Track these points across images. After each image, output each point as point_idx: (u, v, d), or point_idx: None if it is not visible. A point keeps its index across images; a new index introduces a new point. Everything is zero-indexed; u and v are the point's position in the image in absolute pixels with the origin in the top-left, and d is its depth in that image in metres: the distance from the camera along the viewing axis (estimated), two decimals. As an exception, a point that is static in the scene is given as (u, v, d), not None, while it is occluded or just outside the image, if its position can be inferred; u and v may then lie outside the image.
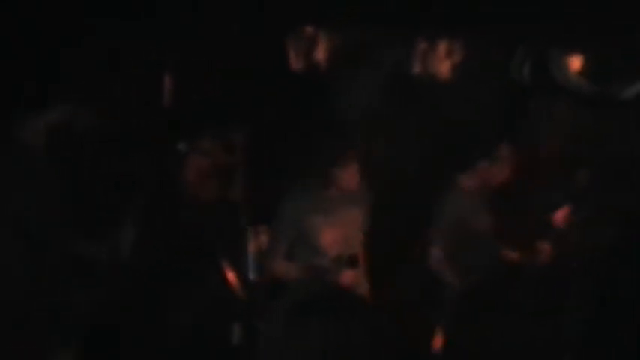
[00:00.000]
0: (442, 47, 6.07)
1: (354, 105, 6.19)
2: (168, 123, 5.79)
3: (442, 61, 6.07)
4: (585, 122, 5.50)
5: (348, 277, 4.38)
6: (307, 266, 4.63)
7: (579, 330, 4.96)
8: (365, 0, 5.94)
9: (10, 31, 5.35)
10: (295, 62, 6.36)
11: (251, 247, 5.30)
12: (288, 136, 6.10)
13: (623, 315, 4.77)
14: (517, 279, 4.91)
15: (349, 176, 4.85)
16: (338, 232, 4.80)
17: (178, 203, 5.38)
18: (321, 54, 6.36)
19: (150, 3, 5.84)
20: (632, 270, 4.88)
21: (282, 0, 6.09)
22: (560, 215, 4.97)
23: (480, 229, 5.16)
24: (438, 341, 4.75)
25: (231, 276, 4.80)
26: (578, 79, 5.53)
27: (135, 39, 5.83)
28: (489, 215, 5.20)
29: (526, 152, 5.33)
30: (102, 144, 4.90)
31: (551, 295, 5.01)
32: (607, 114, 5.50)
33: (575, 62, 5.61)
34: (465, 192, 5.25)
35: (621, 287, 4.84)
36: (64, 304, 4.45)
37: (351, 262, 4.47)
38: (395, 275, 4.93)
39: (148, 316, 4.62)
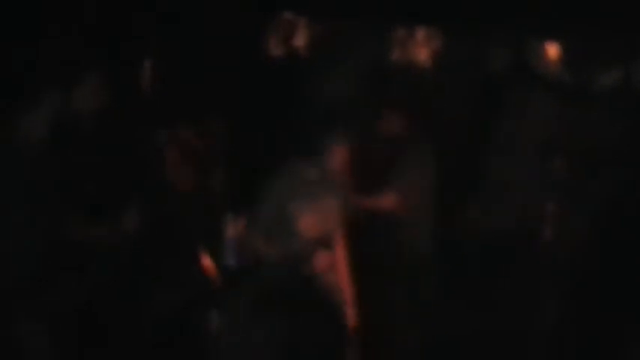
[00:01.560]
0: (420, 34, 6.09)
1: (333, 91, 6.20)
2: (147, 110, 5.79)
3: (420, 49, 6.09)
4: (562, 111, 5.53)
5: (323, 260, 4.41)
6: (283, 250, 4.65)
7: (555, 320, 5.00)
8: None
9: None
10: (274, 48, 6.37)
11: (229, 234, 5.32)
12: (267, 122, 6.10)
13: (599, 304, 4.82)
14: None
15: (332, 160, 4.83)
16: (316, 217, 4.82)
17: (158, 191, 5.39)
18: (300, 40, 6.36)
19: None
20: (609, 259, 4.92)
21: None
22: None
23: None
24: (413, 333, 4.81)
25: (208, 263, 4.81)
26: (554, 68, 5.56)
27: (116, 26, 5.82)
28: None
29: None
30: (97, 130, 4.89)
31: (528, 284, 5.05)
32: (584, 103, 5.53)
33: (552, 51, 5.64)
34: None
35: (597, 276, 4.89)
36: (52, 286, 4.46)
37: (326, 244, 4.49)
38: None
39: (127, 302, 4.64)
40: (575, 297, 4.97)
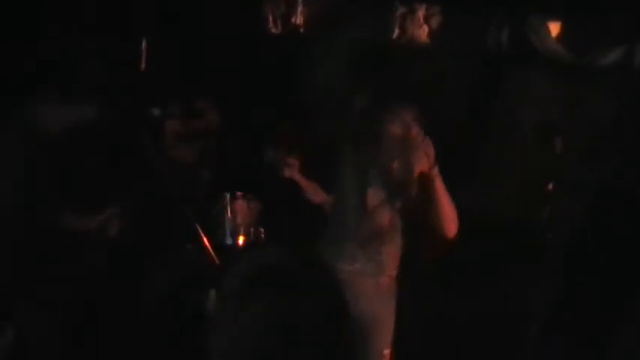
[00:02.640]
0: (420, 12, 6.04)
1: (331, 69, 6.16)
2: (144, 87, 5.75)
3: (420, 26, 6.05)
4: (562, 91, 5.49)
5: None
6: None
7: (547, 302, 4.99)
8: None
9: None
10: (273, 26, 6.33)
11: (227, 213, 5.30)
12: (264, 100, 6.07)
13: (593, 287, 4.80)
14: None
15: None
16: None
17: (154, 169, 5.36)
18: (299, 18, 6.32)
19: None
20: (604, 241, 4.90)
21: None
22: None
23: None
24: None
25: (206, 242, 4.79)
26: (556, 47, 5.51)
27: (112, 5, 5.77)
28: None
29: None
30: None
31: (525, 267, 5.03)
32: (585, 82, 5.49)
33: (554, 29, 5.59)
34: None
35: (592, 258, 4.87)
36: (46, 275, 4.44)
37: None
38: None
39: (124, 284, 4.62)
40: (572, 279, 4.95)
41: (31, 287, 4.30)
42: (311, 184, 4.68)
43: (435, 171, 3.85)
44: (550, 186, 5.08)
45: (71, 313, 4.39)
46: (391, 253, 4.01)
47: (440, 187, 3.86)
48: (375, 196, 3.92)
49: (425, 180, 3.83)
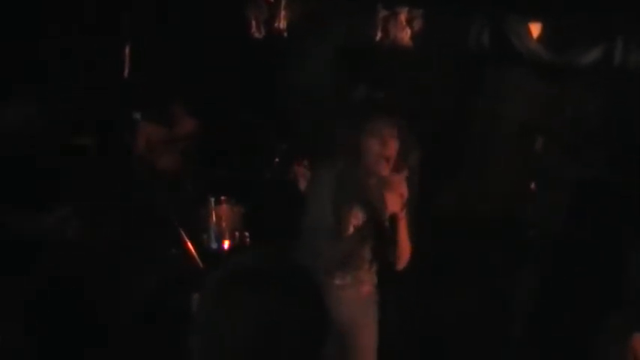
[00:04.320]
0: (403, 15, 6.07)
1: (314, 72, 6.18)
2: (126, 93, 5.76)
3: (403, 29, 6.07)
4: (542, 90, 5.51)
5: None
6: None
7: (530, 299, 5.00)
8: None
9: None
10: (256, 30, 6.34)
11: (212, 217, 5.31)
12: (247, 104, 6.08)
13: (575, 282, 4.82)
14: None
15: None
16: None
17: (134, 173, 5.37)
18: (281, 22, 6.33)
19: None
20: (585, 237, 4.92)
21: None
22: None
23: None
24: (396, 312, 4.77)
25: (190, 246, 4.79)
26: (536, 47, 5.53)
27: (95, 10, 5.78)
28: None
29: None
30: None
31: (507, 264, 5.04)
32: (564, 81, 5.52)
33: (534, 30, 5.61)
34: None
35: (574, 254, 4.89)
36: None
37: None
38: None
39: (106, 289, 4.62)
40: (554, 275, 4.97)
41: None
42: None
43: (403, 214, 3.87)
44: (533, 184, 5.09)
45: (45, 317, 4.38)
46: (367, 265, 4.02)
47: (403, 228, 3.91)
48: (352, 216, 3.90)
49: (392, 219, 3.85)
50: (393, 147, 3.84)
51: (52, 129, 4.86)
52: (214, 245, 5.29)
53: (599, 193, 4.98)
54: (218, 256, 5.19)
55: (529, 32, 5.55)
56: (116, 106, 5.48)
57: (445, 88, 5.82)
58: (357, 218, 3.91)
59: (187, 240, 4.77)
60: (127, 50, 5.95)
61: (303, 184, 4.90)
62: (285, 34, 6.32)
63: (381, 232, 3.96)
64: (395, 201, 3.83)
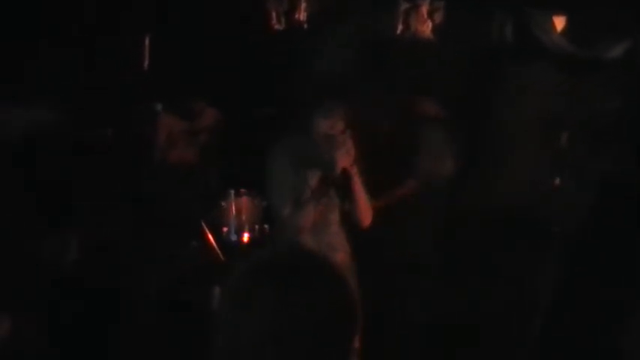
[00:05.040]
0: (424, 7, 6.02)
1: (334, 65, 6.13)
2: (146, 85, 5.74)
3: (424, 22, 6.03)
4: (566, 85, 5.46)
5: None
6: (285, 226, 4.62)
7: (552, 294, 4.96)
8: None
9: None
10: (276, 22, 6.32)
11: (232, 210, 5.29)
12: (266, 97, 6.05)
13: (598, 279, 4.78)
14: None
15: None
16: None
17: (154, 165, 5.35)
18: (302, 14, 6.31)
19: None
20: (610, 234, 4.87)
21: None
22: None
23: None
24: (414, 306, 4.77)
25: (211, 239, 4.77)
26: (561, 41, 5.48)
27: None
28: None
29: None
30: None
31: (529, 260, 5.00)
32: (589, 76, 5.46)
33: (558, 23, 5.56)
34: None
35: (597, 251, 4.84)
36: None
37: None
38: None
39: (124, 282, 4.59)
40: (576, 272, 4.92)
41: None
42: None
43: (355, 169, 4.30)
44: (558, 180, 5.06)
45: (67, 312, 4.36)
46: (336, 231, 4.43)
47: (357, 183, 4.33)
48: (308, 178, 4.36)
49: (345, 175, 4.31)
50: (339, 126, 4.35)
51: (69, 123, 4.84)
52: (234, 238, 5.27)
53: (624, 189, 4.93)
54: (237, 248, 5.17)
55: (553, 25, 5.50)
56: (137, 98, 5.46)
57: (466, 81, 5.76)
58: (313, 180, 4.36)
59: (209, 232, 4.76)
60: (146, 42, 5.93)
61: None
62: (306, 26, 6.30)
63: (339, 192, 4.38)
64: (344, 157, 4.23)
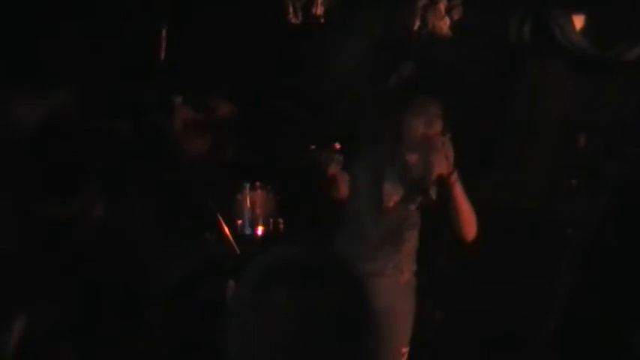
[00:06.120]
0: (442, 4, 6.00)
1: (349, 59, 6.13)
2: (162, 76, 5.74)
3: (442, 18, 6.01)
4: (583, 84, 5.44)
5: None
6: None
7: (566, 296, 4.94)
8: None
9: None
10: (293, 16, 6.30)
11: (246, 203, 5.29)
12: (282, 91, 6.05)
13: (612, 283, 4.75)
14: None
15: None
16: None
17: (170, 157, 5.34)
18: (319, 8, 6.29)
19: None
20: (627, 236, 4.84)
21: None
22: None
23: None
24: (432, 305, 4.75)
25: (227, 231, 4.76)
26: (580, 40, 5.46)
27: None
28: None
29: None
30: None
31: (543, 260, 4.99)
32: (607, 76, 5.44)
33: (577, 22, 5.54)
34: None
35: (614, 254, 4.82)
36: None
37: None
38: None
39: (138, 273, 4.58)
40: (591, 274, 4.90)
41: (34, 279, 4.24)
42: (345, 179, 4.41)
43: (455, 176, 3.80)
44: (574, 181, 5.02)
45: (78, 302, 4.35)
46: (409, 251, 3.96)
47: (459, 192, 3.83)
48: (392, 193, 3.86)
49: (444, 184, 3.79)
50: (437, 127, 3.83)
51: (85, 113, 4.84)
52: (248, 231, 5.27)
53: (635, 193, 4.91)
54: (251, 242, 5.17)
55: (572, 24, 5.48)
56: (153, 89, 5.45)
57: (483, 79, 5.75)
58: (398, 193, 3.86)
59: (224, 225, 4.75)
60: (163, 33, 5.92)
61: (334, 169, 4.84)
62: (323, 20, 6.28)
63: (430, 211, 3.89)
64: (441, 163, 3.77)
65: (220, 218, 4.75)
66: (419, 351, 4.61)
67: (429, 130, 3.82)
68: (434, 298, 4.96)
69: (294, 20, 6.28)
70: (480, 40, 5.79)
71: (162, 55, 5.91)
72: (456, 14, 5.98)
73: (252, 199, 5.29)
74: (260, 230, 5.29)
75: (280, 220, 5.33)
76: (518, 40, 5.65)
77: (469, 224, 3.88)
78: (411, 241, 3.95)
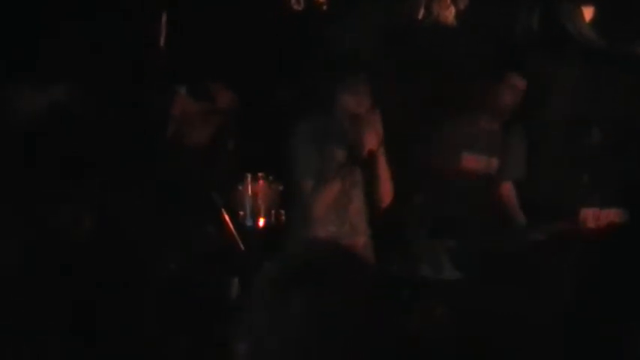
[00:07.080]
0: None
1: (353, 47, 6.05)
2: (162, 65, 5.65)
3: (447, 7, 5.94)
4: (592, 77, 5.38)
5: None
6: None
7: (576, 298, 4.91)
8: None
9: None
10: (295, 2, 6.23)
11: (247, 194, 5.21)
12: (284, 79, 5.98)
13: (624, 281, 4.72)
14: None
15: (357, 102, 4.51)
16: None
17: (169, 147, 5.28)
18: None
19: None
20: (636, 234, 4.81)
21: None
22: None
23: None
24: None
25: (230, 225, 4.70)
26: (589, 33, 5.39)
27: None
28: None
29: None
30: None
31: (550, 266, 4.95)
32: (616, 70, 5.37)
33: (587, 14, 5.47)
34: None
35: (623, 252, 4.78)
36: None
37: None
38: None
39: (137, 268, 4.52)
40: (604, 271, 4.86)
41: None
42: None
43: (381, 150, 4.19)
44: (585, 177, 4.99)
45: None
46: (359, 211, 4.35)
47: (383, 165, 4.24)
48: (335, 159, 4.27)
49: (371, 156, 4.20)
50: (365, 104, 4.23)
51: (85, 103, 4.77)
52: (249, 223, 5.19)
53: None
54: (253, 233, 5.10)
55: (581, 16, 5.41)
56: (152, 78, 5.37)
57: (490, 71, 5.67)
58: (338, 158, 4.29)
59: (227, 217, 4.68)
60: (163, 20, 5.83)
61: None
62: (325, 7, 6.20)
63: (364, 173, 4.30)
64: (372, 138, 4.09)
65: (224, 212, 4.68)
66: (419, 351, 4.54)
67: (357, 107, 4.22)
68: (434, 298, 4.92)
69: (296, 6, 6.20)
70: (486, 30, 5.71)
71: (162, 42, 5.82)
72: (462, 3, 5.90)
73: (254, 190, 5.20)
74: (261, 222, 5.21)
75: (282, 212, 5.26)
76: (526, 31, 5.58)
77: (385, 195, 4.31)
78: (357, 201, 4.37)
